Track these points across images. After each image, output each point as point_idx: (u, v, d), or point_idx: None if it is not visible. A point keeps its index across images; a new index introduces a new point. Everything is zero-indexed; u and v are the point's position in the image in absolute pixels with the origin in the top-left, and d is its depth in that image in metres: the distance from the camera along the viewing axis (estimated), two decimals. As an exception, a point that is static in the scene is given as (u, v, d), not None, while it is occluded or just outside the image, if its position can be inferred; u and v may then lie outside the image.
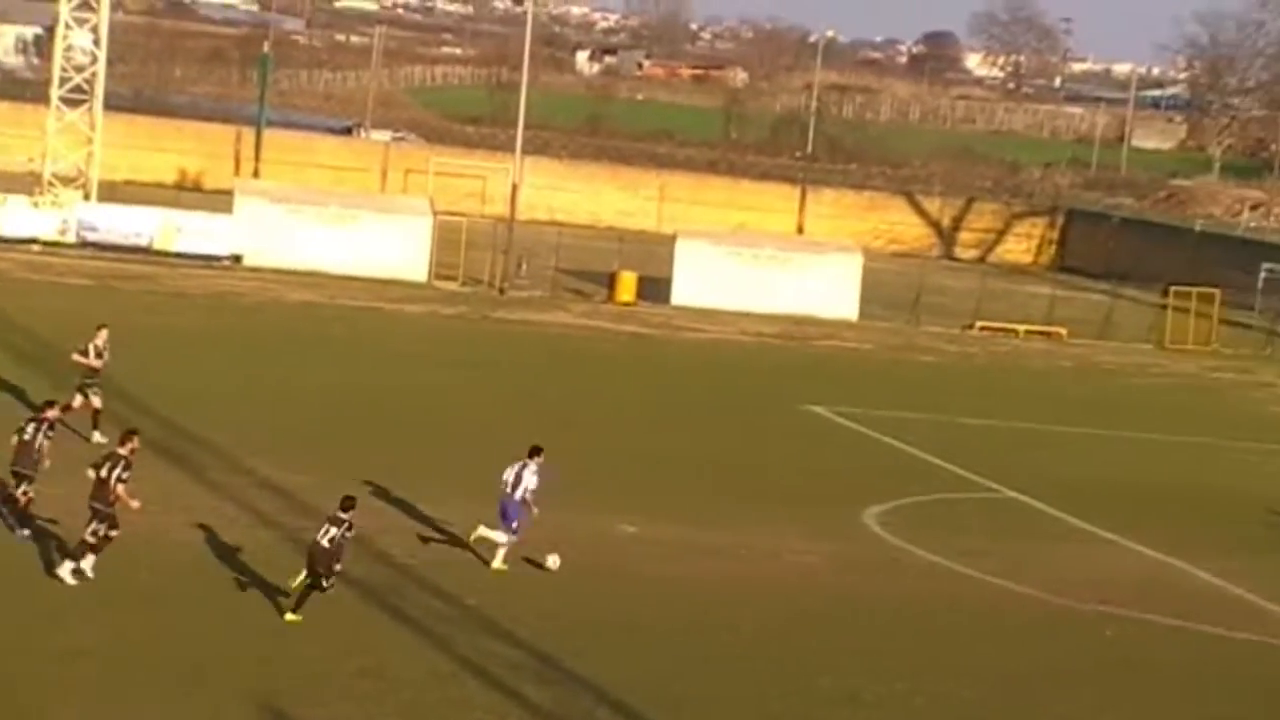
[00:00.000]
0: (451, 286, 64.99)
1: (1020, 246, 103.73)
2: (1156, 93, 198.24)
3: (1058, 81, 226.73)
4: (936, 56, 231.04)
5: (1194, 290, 70.73)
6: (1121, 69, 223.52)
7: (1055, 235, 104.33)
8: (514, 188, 71.79)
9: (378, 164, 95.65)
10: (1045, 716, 24.02)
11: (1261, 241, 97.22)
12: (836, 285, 68.36)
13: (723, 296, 66.25)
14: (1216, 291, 71.48)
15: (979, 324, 68.76)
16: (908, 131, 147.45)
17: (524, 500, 28.76)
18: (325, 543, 25.11)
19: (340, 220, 66.15)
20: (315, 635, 24.33)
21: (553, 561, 28.88)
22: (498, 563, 28.85)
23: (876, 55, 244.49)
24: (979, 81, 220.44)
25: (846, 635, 27.16)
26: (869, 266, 69.80)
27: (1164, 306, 71.44)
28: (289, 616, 25.05)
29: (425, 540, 29.69)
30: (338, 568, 25.20)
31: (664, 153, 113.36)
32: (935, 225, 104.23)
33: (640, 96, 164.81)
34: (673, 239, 70.00)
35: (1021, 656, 26.74)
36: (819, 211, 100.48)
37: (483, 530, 28.95)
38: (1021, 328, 68.86)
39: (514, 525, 28.73)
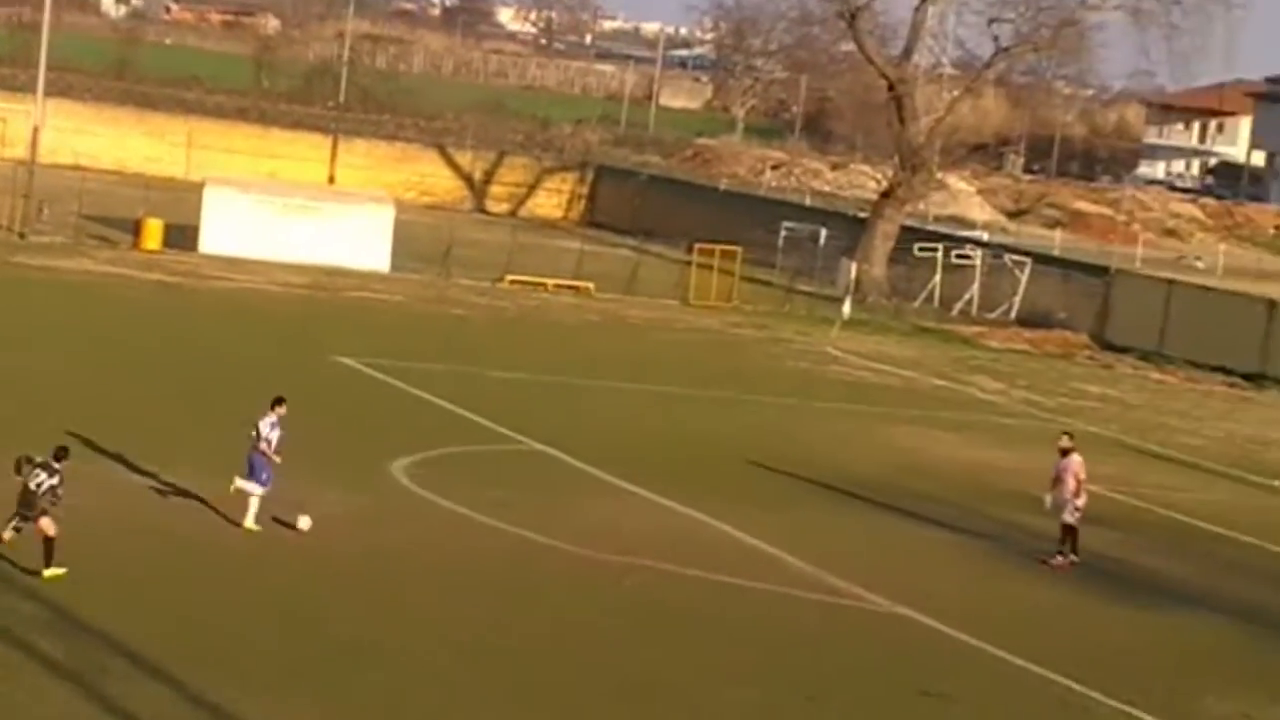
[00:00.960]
0: (-32, 231, 62.89)
1: (551, 201, 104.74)
2: (684, 52, 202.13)
3: (588, 39, 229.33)
4: (469, 10, 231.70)
5: (717, 248, 72.33)
6: (651, 28, 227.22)
7: (585, 191, 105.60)
8: (35, 130, 69.72)
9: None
10: (567, 664, 24.31)
11: (782, 201, 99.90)
12: (367, 236, 68.08)
13: (252, 245, 65.41)
14: (738, 249, 73.22)
15: (509, 277, 69.22)
16: (440, 84, 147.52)
17: (263, 452, 28.98)
18: (33, 486, 25.33)
19: None
20: None
21: (304, 522, 28.84)
22: (249, 522, 28.91)
23: (410, 6, 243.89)
24: (512, 36, 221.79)
25: (369, 587, 27.08)
26: (401, 218, 69.68)
27: (689, 263, 72.89)
28: (48, 573, 25.03)
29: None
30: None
31: (193, 99, 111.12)
32: (467, 179, 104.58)
33: (169, 41, 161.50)
34: (201, 186, 68.89)
35: (545, 607, 27.02)
36: (351, 162, 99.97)
37: (240, 482, 29.04)
38: (551, 282, 69.53)
39: (263, 478, 28.92)
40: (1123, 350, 70.39)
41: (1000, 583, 31.42)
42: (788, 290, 74.50)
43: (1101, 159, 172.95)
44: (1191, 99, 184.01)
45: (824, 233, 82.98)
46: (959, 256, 78.68)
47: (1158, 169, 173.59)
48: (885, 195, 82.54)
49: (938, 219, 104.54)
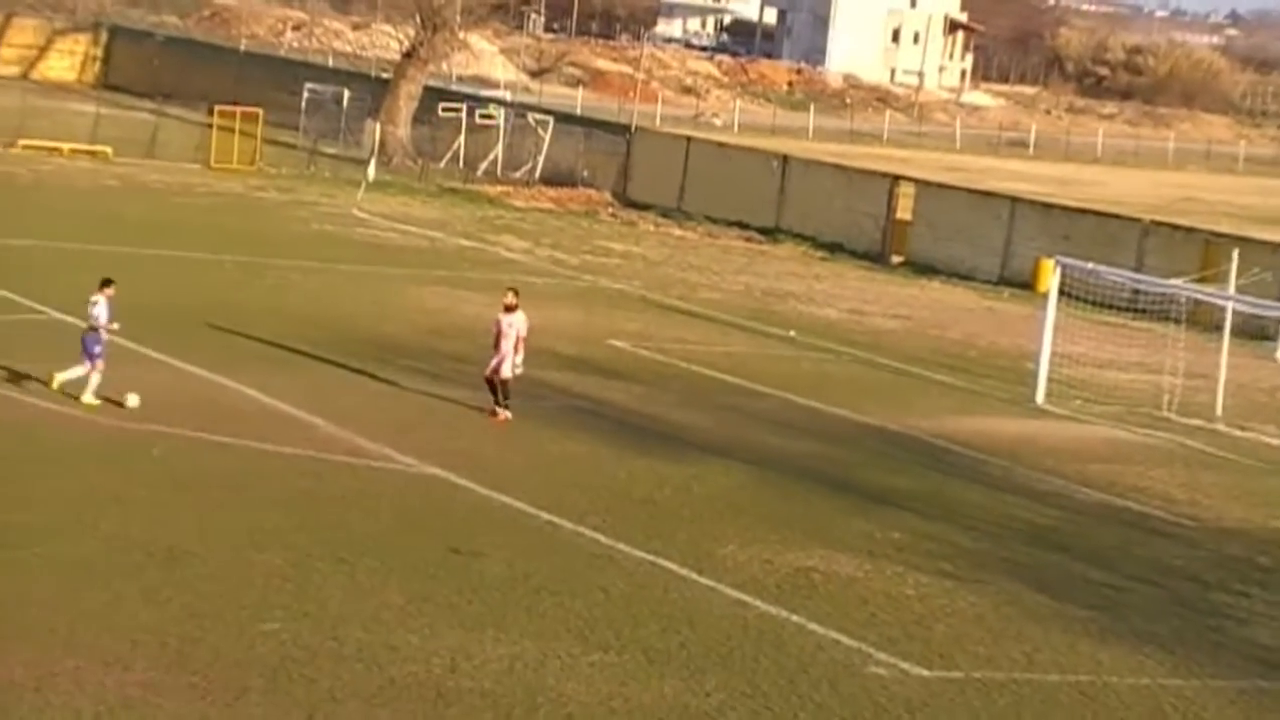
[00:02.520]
0: None
1: (63, 64, 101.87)
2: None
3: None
4: None
5: (238, 110, 71.22)
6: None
7: (99, 53, 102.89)
8: None
9: None
10: (93, 534, 23.90)
11: (304, 62, 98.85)
12: None
13: None
14: (260, 111, 72.21)
15: (21, 142, 67.10)
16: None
17: (96, 329, 30.59)
18: None
19: None
20: None
21: (132, 400, 30.26)
22: (88, 396, 30.15)
23: None
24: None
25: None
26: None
27: (209, 126, 71.63)
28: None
29: None
30: None
31: None
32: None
33: None
34: None
35: (75, 478, 26.48)
36: None
37: (61, 376, 30.01)
38: (66, 146, 67.65)
39: (95, 354, 30.43)
40: (645, 208, 71.69)
41: (526, 440, 31.84)
42: (311, 153, 73.85)
43: (620, 18, 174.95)
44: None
45: (347, 94, 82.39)
46: (483, 117, 78.93)
47: (675, 27, 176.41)
48: (407, 56, 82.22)
49: (461, 79, 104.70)
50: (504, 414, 32.82)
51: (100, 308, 30.88)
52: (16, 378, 31.65)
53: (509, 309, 33.17)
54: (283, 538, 24.63)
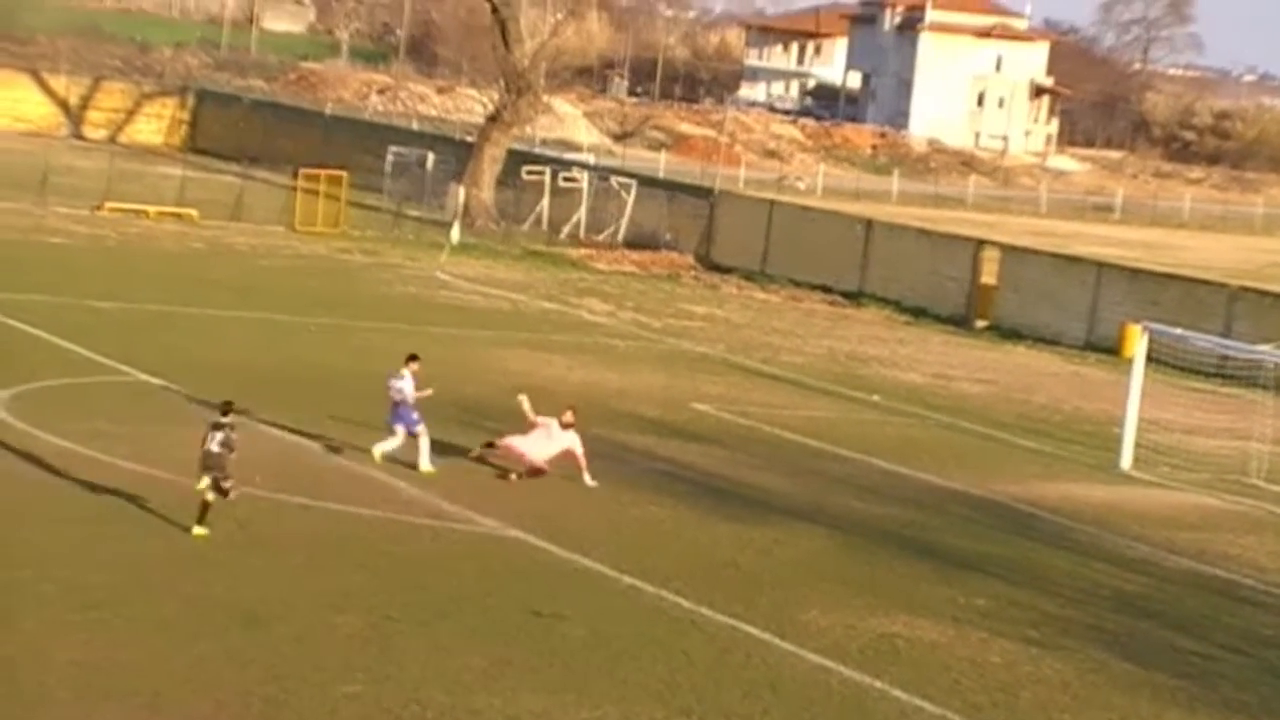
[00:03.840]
0: None
1: (151, 127, 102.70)
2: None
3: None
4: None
5: (323, 173, 71.63)
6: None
7: (186, 116, 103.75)
8: None
9: None
10: (178, 594, 23.93)
11: (389, 125, 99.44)
12: (-41, 164, 65.99)
13: None
14: (344, 174, 72.62)
15: (109, 205, 67.65)
16: (28, 6, 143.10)
17: (405, 403, 32.09)
18: (215, 448, 26.66)
19: None
20: None
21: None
22: (425, 464, 31.93)
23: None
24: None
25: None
26: (-6, 145, 67.65)
27: (295, 189, 72.06)
28: (196, 530, 26.54)
29: None
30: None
31: None
32: (63, 104, 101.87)
33: None
34: None
35: (158, 539, 26.54)
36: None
37: (380, 448, 32.10)
38: (153, 209, 68.15)
39: (414, 422, 32.11)
40: (727, 270, 71.64)
41: (608, 503, 31.75)
42: (396, 215, 74.16)
43: (704, 81, 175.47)
44: (790, 22, 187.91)
45: (431, 157, 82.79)
46: (566, 179, 79.11)
47: (758, 91, 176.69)
48: (492, 119, 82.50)
49: (544, 142, 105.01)
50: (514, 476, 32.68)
51: (406, 382, 32.14)
52: (102, 437, 31.76)
53: (565, 425, 32.85)
54: (364, 600, 24.59)
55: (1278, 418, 42.33)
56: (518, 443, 32.55)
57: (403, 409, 32.14)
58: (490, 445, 32.98)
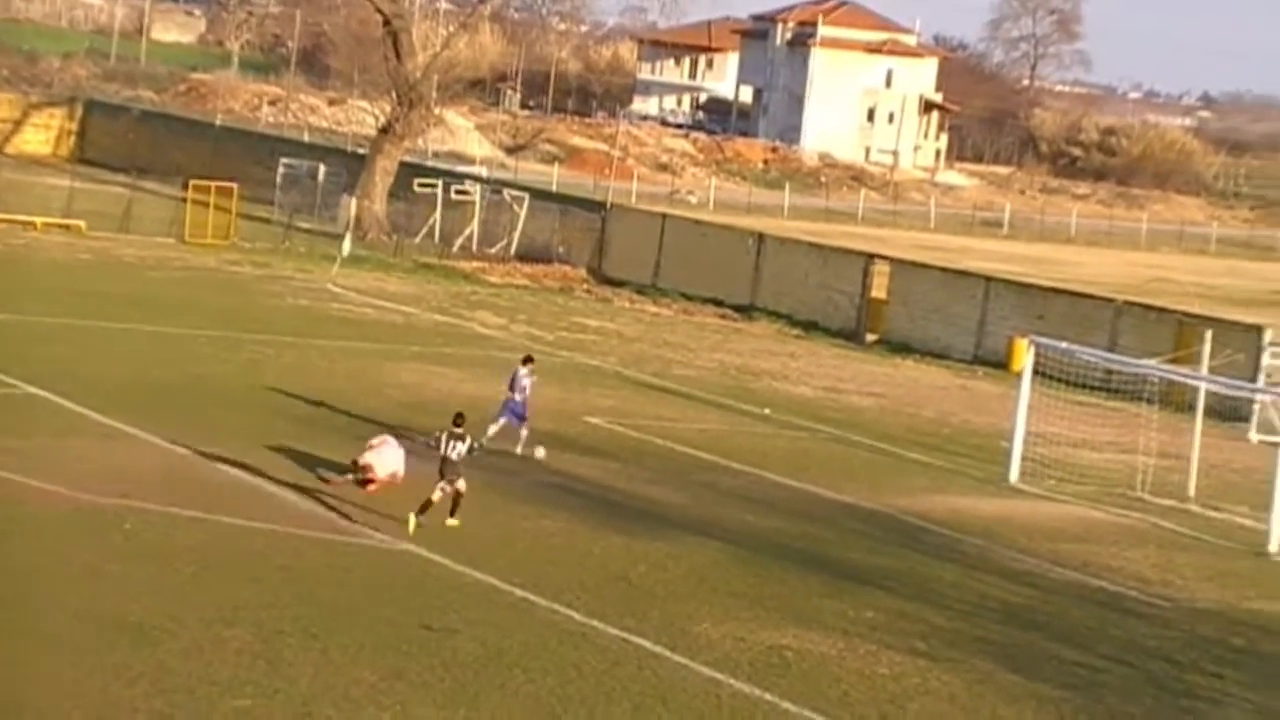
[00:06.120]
0: None
1: (38, 137, 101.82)
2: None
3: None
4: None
5: (213, 184, 71.25)
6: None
7: (74, 127, 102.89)
8: None
9: None
10: (65, 608, 23.76)
11: (279, 136, 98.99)
12: None
13: None
14: (234, 185, 72.27)
15: (-3, 216, 67.03)
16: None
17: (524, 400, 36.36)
18: (454, 456, 29.40)
19: None
20: None
21: (540, 453, 35.68)
22: (541, 453, 35.57)
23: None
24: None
25: None
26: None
27: (185, 200, 71.63)
28: (450, 521, 29.55)
29: None
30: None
31: None
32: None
33: None
34: None
35: (46, 551, 26.34)
36: None
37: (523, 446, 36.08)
38: (40, 220, 67.58)
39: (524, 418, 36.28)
40: (620, 284, 71.78)
41: (501, 516, 31.73)
42: (287, 227, 73.84)
43: (597, 95, 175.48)
44: (682, 36, 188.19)
45: (323, 169, 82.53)
46: (458, 192, 79.02)
47: (651, 105, 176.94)
48: (384, 131, 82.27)
49: (437, 155, 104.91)
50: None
51: (530, 380, 36.75)
52: (34, 461, 31.51)
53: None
54: (254, 613, 24.49)
55: (1162, 431, 42.83)
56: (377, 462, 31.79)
57: (513, 403, 36.30)
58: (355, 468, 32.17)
